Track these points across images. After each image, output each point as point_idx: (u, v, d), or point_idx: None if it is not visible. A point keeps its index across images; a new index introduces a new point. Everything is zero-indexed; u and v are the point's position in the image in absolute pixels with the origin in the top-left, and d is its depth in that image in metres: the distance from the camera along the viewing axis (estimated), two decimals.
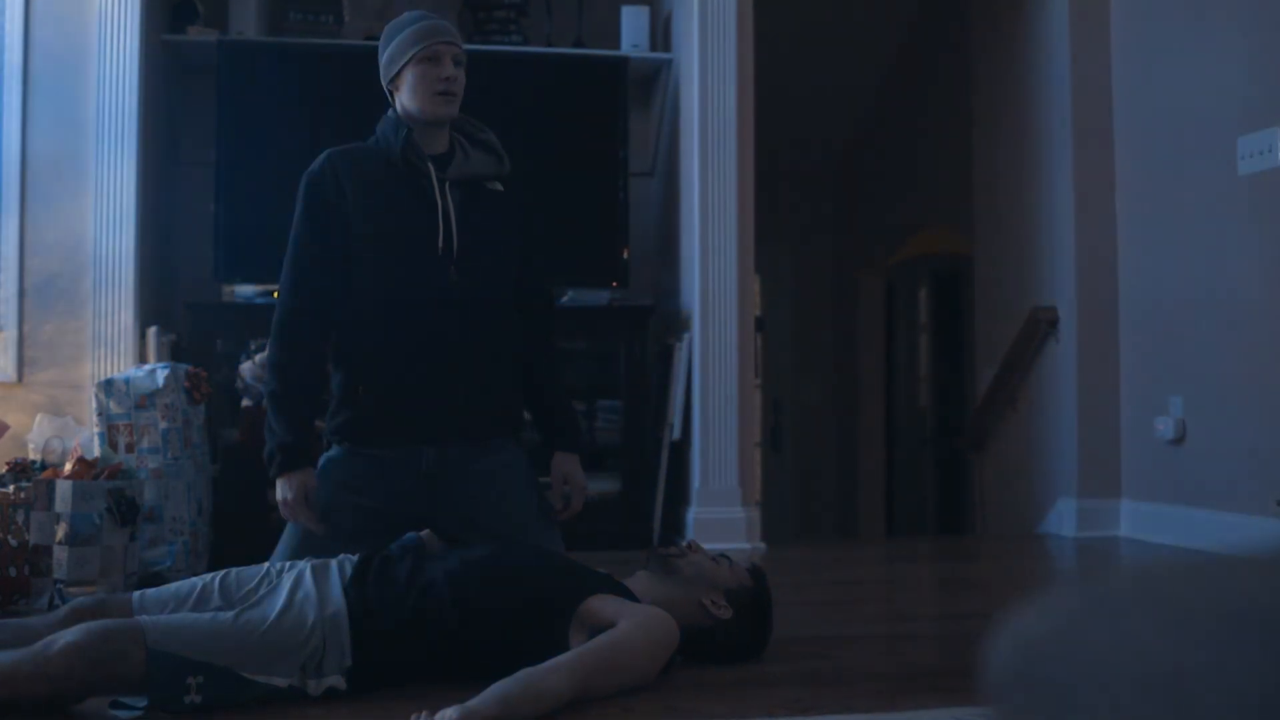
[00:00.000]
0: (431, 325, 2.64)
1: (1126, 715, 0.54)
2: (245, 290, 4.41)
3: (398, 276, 2.64)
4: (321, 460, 2.70)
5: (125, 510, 3.20)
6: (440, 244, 2.64)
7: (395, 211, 2.66)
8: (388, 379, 2.65)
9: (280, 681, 2.01)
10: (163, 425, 3.67)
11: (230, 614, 2.06)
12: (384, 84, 2.72)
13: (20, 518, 3.14)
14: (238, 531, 3.98)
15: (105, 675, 1.90)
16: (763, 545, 4.46)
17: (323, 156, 2.69)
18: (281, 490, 2.58)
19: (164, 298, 4.57)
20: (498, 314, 2.73)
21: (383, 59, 2.70)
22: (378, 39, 4.56)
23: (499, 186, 2.78)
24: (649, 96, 5.13)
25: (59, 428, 4.01)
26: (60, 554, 3.10)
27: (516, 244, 2.79)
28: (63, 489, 3.13)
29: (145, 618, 2.02)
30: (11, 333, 4.17)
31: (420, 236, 2.64)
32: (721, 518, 4.40)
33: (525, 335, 2.81)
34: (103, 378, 3.84)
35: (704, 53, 4.51)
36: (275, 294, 2.69)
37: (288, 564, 2.27)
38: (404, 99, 2.66)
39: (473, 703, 1.82)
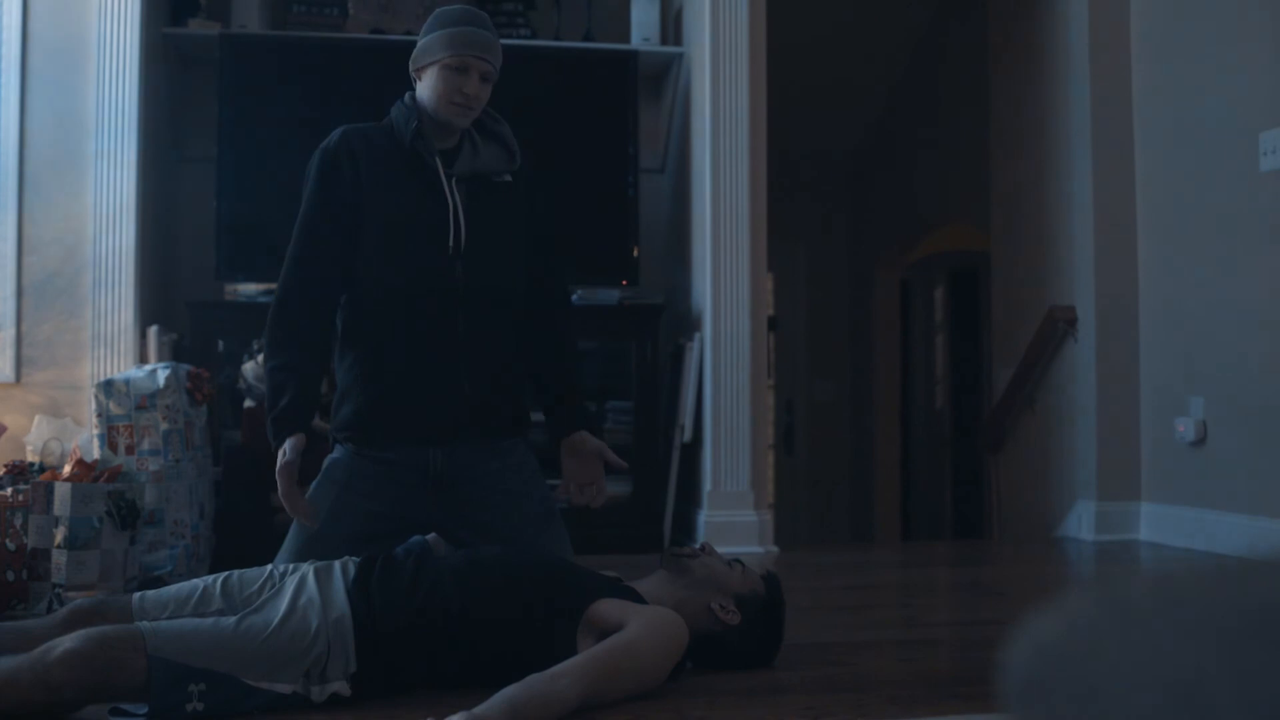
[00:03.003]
0: (438, 321, 2.59)
1: None
2: (248, 289, 4.38)
3: (404, 269, 2.59)
4: (326, 462, 2.66)
5: (125, 514, 3.16)
6: (450, 241, 2.59)
7: (405, 200, 2.62)
8: (393, 375, 2.61)
9: (284, 688, 1.98)
10: (164, 427, 3.62)
11: (232, 620, 2.02)
12: (410, 67, 2.67)
13: (18, 521, 3.09)
14: (240, 536, 3.93)
15: (105, 682, 1.87)
16: (775, 548, 4.40)
17: (338, 132, 2.66)
18: (280, 457, 2.47)
19: (165, 296, 4.52)
20: (505, 310, 2.68)
21: (419, 44, 2.64)
22: (382, 33, 4.61)
23: (508, 178, 2.73)
24: (660, 91, 5.07)
25: (58, 429, 3.96)
26: (59, 558, 3.06)
27: (524, 237, 2.74)
28: (61, 492, 3.09)
29: (145, 624, 1.98)
30: (9, 332, 4.12)
31: (428, 229, 2.60)
32: (733, 521, 4.33)
33: (536, 331, 2.75)
34: (102, 378, 3.79)
35: (716, 46, 4.44)
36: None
37: (290, 566, 2.24)
38: (422, 90, 2.63)
39: (480, 709, 1.80)
